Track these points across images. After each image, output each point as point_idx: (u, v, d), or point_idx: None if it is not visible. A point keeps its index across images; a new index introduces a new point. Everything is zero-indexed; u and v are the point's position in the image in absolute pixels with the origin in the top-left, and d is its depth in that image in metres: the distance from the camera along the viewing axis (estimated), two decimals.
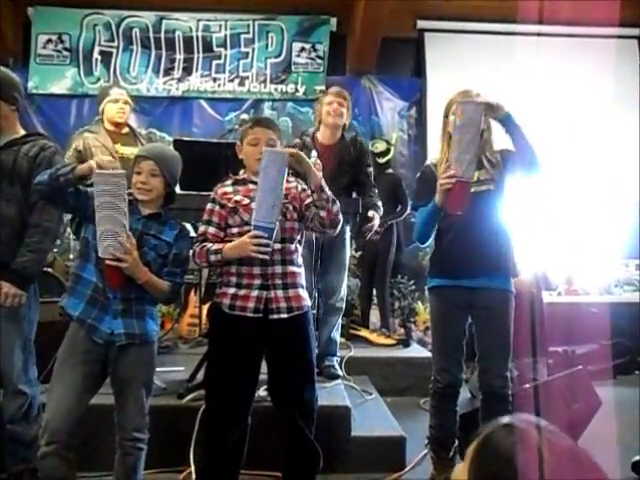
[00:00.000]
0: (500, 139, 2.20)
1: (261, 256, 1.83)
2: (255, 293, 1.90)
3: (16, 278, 2.07)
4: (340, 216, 1.94)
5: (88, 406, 1.86)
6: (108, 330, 1.82)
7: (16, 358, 2.11)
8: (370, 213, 3.09)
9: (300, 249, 2.04)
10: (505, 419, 0.73)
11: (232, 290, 1.92)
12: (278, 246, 1.91)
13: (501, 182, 2.12)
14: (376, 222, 3.11)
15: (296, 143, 3.07)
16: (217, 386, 1.95)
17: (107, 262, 1.76)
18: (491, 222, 2.10)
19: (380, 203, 3.17)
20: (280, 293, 1.92)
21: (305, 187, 2.00)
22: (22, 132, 2.23)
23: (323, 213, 1.90)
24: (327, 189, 1.90)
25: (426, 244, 2.30)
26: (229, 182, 2.04)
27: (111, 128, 3.21)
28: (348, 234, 3.17)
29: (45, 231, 2.14)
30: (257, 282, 1.90)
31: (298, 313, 1.94)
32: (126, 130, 3.28)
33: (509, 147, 2.15)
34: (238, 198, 1.96)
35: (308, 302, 2.00)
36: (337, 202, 1.92)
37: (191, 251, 1.96)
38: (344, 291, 3.18)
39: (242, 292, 1.90)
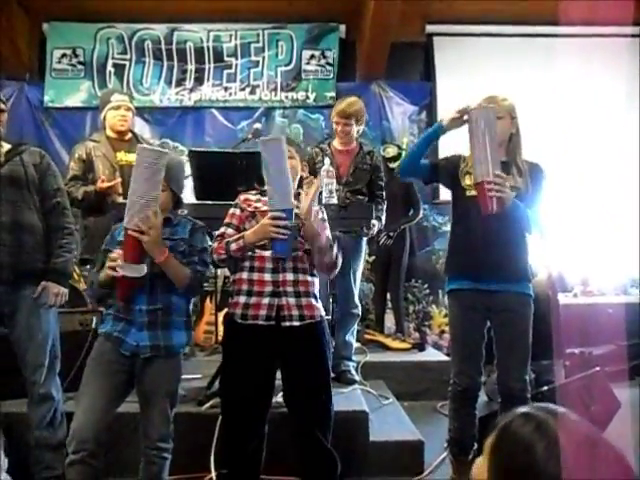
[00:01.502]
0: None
1: (282, 237, 1.83)
2: (266, 300, 1.91)
3: (59, 278, 2.21)
4: (337, 260, 1.98)
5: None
6: (134, 342, 1.86)
7: (45, 361, 2.18)
8: (373, 222, 3.18)
9: None
10: (522, 409, 0.73)
11: (243, 299, 1.94)
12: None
13: (525, 191, 2.11)
14: (375, 229, 3.22)
15: (313, 152, 3.22)
16: (233, 396, 1.95)
17: (129, 233, 1.77)
18: (510, 227, 2.09)
19: (384, 217, 3.26)
20: (292, 301, 1.92)
21: (323, 216, 2.04)
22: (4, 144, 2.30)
23: (316, 259, 1.96)
24: (322, 238, 1.93)
25: (409, 175, 2.32)
26: (254, 192, 2.12)
27: (113, 135, 3.17)
28: (364, 241, 3.22)
29: (71, 233, 2.29)
30: (268, 289, 1.92)
31: (311, 322, 1.94)
32: (129, 136, 3.23)
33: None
34: (258, 205, 2.01)
35: (322, 312, 2.01)
36: (333, 248, 1.96)
37: (210, 248, 2.00)
38: (357, 297, 3.20)
39: (253, 300, 1.92)
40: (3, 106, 2.27)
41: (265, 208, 1.97)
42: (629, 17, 4.80)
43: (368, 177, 3.19)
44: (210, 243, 2.12)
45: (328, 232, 2.01)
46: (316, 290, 2.03)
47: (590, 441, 0.68)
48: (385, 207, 3.27)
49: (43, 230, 2.23)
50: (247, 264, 1.96)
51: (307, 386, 1.95)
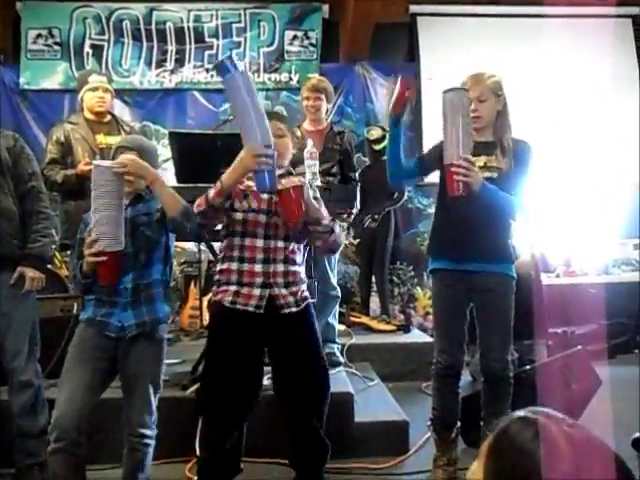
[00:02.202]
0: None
1: (265, 167, 1.70)
2: (257, 292, 1.86)
3: (36, 262, 2.16)
4: (339, 240, 1.94)
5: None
6: (118, 323, 1.83)
7: (25, 348, 2.15)
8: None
9: (302, 249, 2.00)
10: (519, 412, 0.71)
11: (234, 288, 1.87)
12: (281, 244, 1.88)
13: (507, 171, 2.08)
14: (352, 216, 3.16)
15: None
16: (217, 382, 1.89)
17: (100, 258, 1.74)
18: (491, 208, 2.09)
19: (358, 199, 3.23)
20: (283, 290, 1.89)
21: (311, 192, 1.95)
22: None
23: (318, 243, 1.91)
24: (326, 220, 1.87)
25: (399, 180, 2.31)
26: None
27: (92, 117, 3.08)
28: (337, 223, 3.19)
29: (48, 216, 2.24)
30: (259, 280, 1.86)
31: (304, 307, 1.92)
32: (108, 118, 3.15)
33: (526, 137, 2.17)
34: (250, 183, 1.88)
35: (309, 295, 1.98)
36: (335, 231, 1.88)
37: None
38: (335, 279, 3.17)
39: (244, 290, 1.87)
40: None
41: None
42: None
43: (338, 157, 3.15)
44: None
45: (326, 211, 1.95)
46: (303, 276, 1.99)
47: (589, 446, 0.67)
48: (358, 189, 3.25)
49: (19, 215, 2.18)
50: (236, 254, 1.89)
51: (305, 374, 1.91)
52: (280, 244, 1.88)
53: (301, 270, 1.98)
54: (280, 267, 1.89)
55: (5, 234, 2.13)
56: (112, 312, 1.84)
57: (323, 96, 3.11)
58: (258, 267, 1.86)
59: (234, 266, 1.89)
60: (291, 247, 1.92)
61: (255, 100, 1.71)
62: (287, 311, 1.87)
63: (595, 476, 0.64)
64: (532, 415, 0.70)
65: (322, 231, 1.85)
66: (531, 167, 2.14)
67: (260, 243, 1.88)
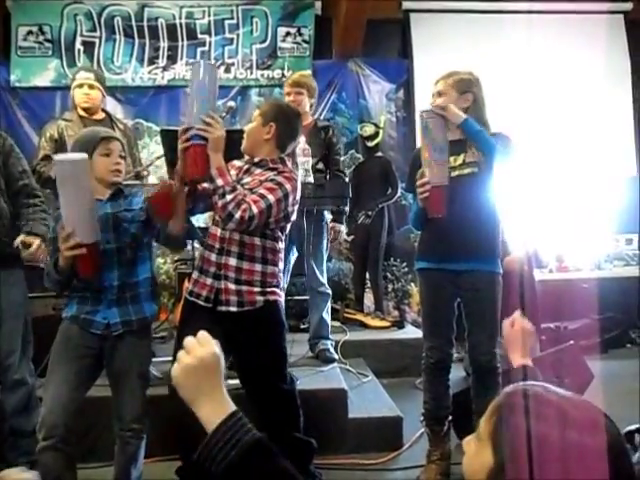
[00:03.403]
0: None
1: (188, 147, 1.72)
2: (209, 281, 1.89)
3: (40, 239, 2.13)
4: (235, 213, 1.75)
5: (87, 398, 1.87)
6: (104, 321, 1.82)
7: (18, 347, 2.15)
8: (336, 227, 3.21)
9: (278, 245, 1.94)
10: (519, 385, 0.74)
11: (196, 274, 1.95)
12: (236, 236, 1.84)
13: (486, 164, 2.10)
14: (343, 231, 3.26)
15: None
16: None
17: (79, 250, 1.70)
18: (475, 205, 2.11)
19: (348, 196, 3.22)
20: (232, 286, 1.85)
21: (274, 178, 1.89)
22: None
23: (218, 203, 1.77)
24: (219, 180, 1.75)
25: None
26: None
27: (85, 114, 3.06)
28: (327, 218, 3.16)
29: (44, 210, 2.23)
30: (212, 269, 1.89)
31: (250, 308, 1.86)
32: (101, 116, 3.12)
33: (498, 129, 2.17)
34: (232, 171, 1.95)
35: (271, 297, 1.90)
36: (227, 197, 1.75)
37: None
38: (323, 276, 3.14)
39: (202, 279, 1.91)
40: None
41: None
42: None
43: (322, 152, 3.08)
44: None
45: (228, 177, 1.79)
46: (269, 279, 1.90)
47: (588, 411, 0.71)
48: (349, 185, 3.23)
49: (11, 214, 2.17)
50: (206, 241, 1.96)
51: (253, 374, 1.92)
52: (235, 235, 1.85)
53: (263, 270, 1.88)
54: (232, 260, 1.86)
55: None
56: (97, 309, 1.82)
57: (304, 91, 3.03)
58: (213, 256, 1.89)
59: (202, 251, 1.96)
60: (247, 240, 1.86)
61: (202, 87, 1.76)
62: (224, 309, 1.85)
63: (597, 437, 0.68)
64: (529, 387, 0.74)
65: (212, 188, 1.76)
66: (512, 153, 2.13)
67: (218, 232, 1.90)
